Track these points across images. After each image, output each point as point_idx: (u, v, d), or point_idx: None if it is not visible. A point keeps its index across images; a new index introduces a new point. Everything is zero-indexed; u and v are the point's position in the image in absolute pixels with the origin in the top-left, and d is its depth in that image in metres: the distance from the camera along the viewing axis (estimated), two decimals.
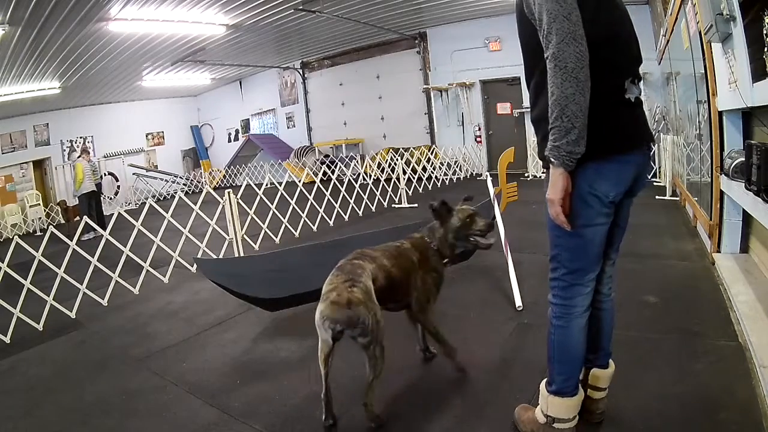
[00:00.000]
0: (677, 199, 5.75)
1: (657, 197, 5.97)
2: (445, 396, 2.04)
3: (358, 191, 6.84)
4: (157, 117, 15.02)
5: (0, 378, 2.82)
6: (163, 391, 2.40)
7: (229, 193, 4.59)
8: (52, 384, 2.65)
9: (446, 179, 9.33)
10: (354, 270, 1.85)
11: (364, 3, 8.31)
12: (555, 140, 1.32)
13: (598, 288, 1.60)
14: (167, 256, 4.51)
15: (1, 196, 11.50)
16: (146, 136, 15.03)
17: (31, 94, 10.04)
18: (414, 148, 10.48)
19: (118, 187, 13.66)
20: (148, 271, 4.30)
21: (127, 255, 4.18)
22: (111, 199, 12.76)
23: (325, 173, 9.01)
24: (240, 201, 4.75)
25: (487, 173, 4.47)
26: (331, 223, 6.20)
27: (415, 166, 8.69)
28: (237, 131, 15.55)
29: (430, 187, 8.72)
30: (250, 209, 5.26)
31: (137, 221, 4.30)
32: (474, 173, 10.26)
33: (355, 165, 9.06)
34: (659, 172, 6.97)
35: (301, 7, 7.85)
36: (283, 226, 5.55)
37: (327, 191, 6.28)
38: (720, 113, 3.11)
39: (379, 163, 9.05)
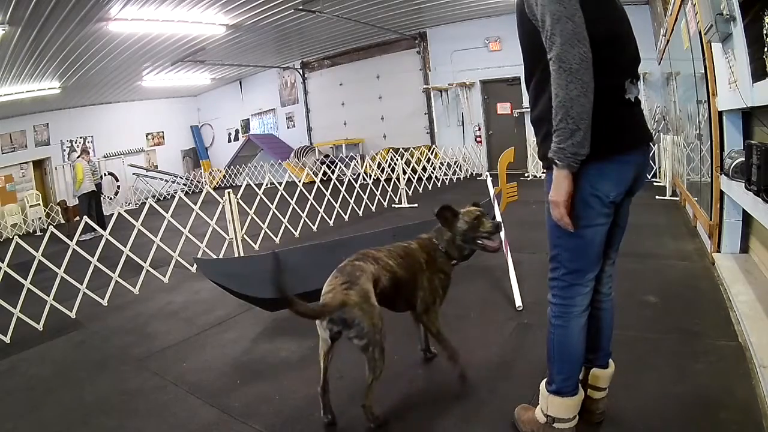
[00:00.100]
0: (677, 199, 5.75)
1: (657, 197, 5.97)
2: (445, 396, 2.04)
3: (358, 191, 6.84)
4: (157, 117, 15.02)
5: (0, 378, 2.82)
6: (163, 391, 2.40)
7: (229, 193, 4.60)
8: (52, 384, 2.65)
9: (446, 179, 9.34)
10: (353, 272, 1.84)
11: (364, 3, 8.32)
12: (560, 142, 1.31)
13: (598, 288, 1.60)
14: (167, 256, 4.51)
15: (1, 196, 11.50)
16: (146, 136, 15.04)
17: (31, 94, 10.04)
18: (414, 148, 10.48)
19: (118, 187, 13.67)
20: (148, 271, 4.30)
21: (127, 255, 4.18)
22: (111, 199, 12.76)
23: (325, 173, 9.01)
24: (240, 201, 4.75)
25: (487, 173, 4.47)
26: (331, 223, 6.20)
27: (415, 166, 8.69)
28: (237, 131, 15.56)
29: (430, 187, 8.72)
30: (250, 209, 5.26)
31: (137, 221, 4.30)
32: (474, 173, 10.27)
33: (355, 165, 9.06)
34: (659, 172, 6.97)
35: (301, 7, 7.85)
36: (283, 226, 5.55)
37: (327, 191, 6.28)
38: (720, 113, 3.11)
39: (379, 163, 9.05)
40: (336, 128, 12.87)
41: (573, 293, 1.52)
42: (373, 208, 6.97)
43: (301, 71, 13.28)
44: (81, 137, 13.27)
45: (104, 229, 4.27)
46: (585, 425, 1.67)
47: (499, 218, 3.24)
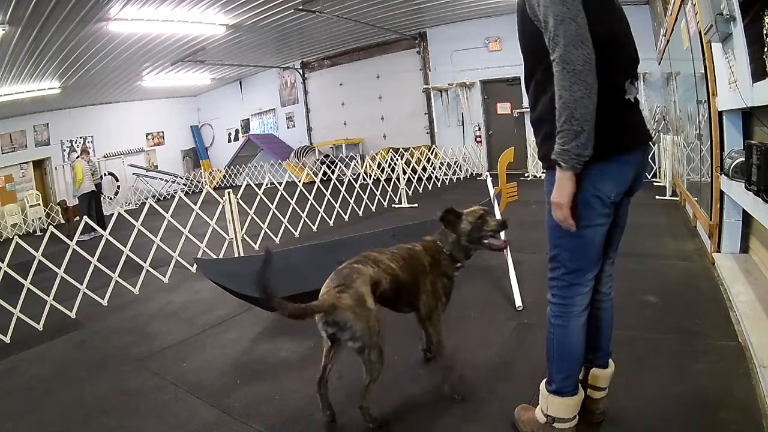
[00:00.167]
0: (677, 199, 5.75)
1: (657, 197, 5.97)
2: (445, 396, 2.04)
3: (358, 191, 6.84)
4: (157, 117, 15.03)
5: (0, 378, 2.82)
6: (163, 391, 2.40)
7: (229, 193, 4.59)
8: (52, 384, 2.65)
9: (446, 179, 9.34)
10: (350, 275, 1.83)
11: (364, 3, 8.32)
12: (564, 143, 1.31)
13: (598, 287, 1.61)
14: (167, 256, 4.51)
15: (1, 196, 11.50)
16: (146, 136, 15.04)
17: (31, 94, 10.04)
18: (414, 148, 10.48)
19: (118, 187, 13.67)
20: (148, 271, 4.30)
21: (127, 255, 4.18)
22: (111, 199, 12.76)
23: (325, 173, 9.01)
24: (240, 201, 4.75)
25: (487, 173, 4.47)
26: (331, 223, 6.20)
27: (415, 166, 8.69)
28: (237, 131, 15.56)
29: (430, 187, 8.72)
30: (250, 209, 5.25)
31: (137, 221, 4.30)
32: (474, 173, 10.27)
33: (355, 165, 9.06)
34: (659, 172, 6.97)
35: (301, 7, 7.85)
36: (283, 226, 5.55)
37: (327, 191, 6.28)
38: (720, 113, 3.11)
39: (379, 163, 9.05)
40: (336, 128, 12.87)
41: (573, 293, 1.52)
42: (373, 208, 6.97)
43: (301, 71, 13.29)
44: (81, 137, 13.28)
45: (104, 229, 4.27)
46: (585, 425, 1.67)
47: (499, 218, 3.23)
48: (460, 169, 10.08)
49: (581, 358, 1.59)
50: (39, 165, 12.78)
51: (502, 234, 2.16)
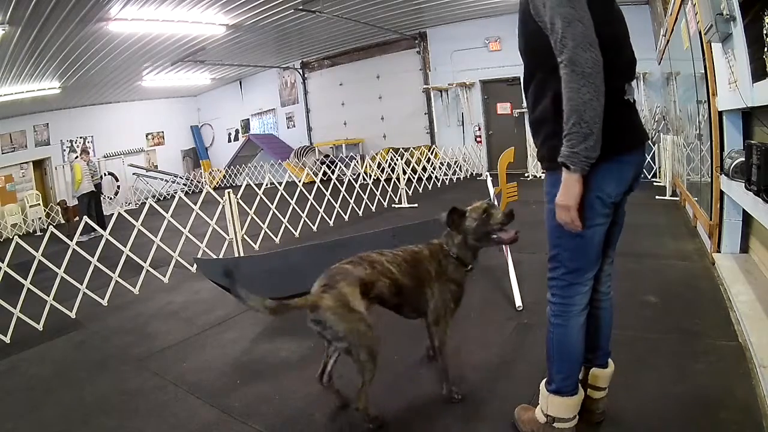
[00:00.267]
0: (677, 199, 5.76)
1: (657, 197, 5.97)
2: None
3: (358, 191, 6.84)
4: (157, 117, 15.02)
5: (0, 378, 2.82)
6: (163, 391, 2.40)
7: (229, 193, 4.59)
8: (52, 384, 2.65)
9: (446, 179, 9.34)
10: (334, 276, 1.82)
11: (364, 3, 8.32)
12: (572, 146, 1.30)
13: (597, 287, 1.61)
14: (167, 256, 4.51)
15: (1, 196, 11.50)
16: (146, 136, 15.04)
17: (31, 94, 10.04)
18: (414, 148, 10.48)
19: (118, 187, 13.67)
20: (148, 271, 4.30)
21: (127, 255, 4.18)
22: (111, 199, 12.76)
23: (325, 173, 9.01)
24: (240, 201, 4.75)
25: (487, 173, 4.47)
26: (331, 223, 6.20)
27: (415, 166, 8.69)
28: (237, 131, 15.56)
29: (430, 187, 8.72)
30: (250, 209, 5.26)
31: (137, 221, 4.30)
32: (474, 173, 10.27)
33: (355, 165, 9.06)
34: (659, 172, 6.97)
35: (301, 7, 7.85)
36: (283, 226, 5.55)
37: (327, 191, 6.28)
38: (720, 113, 3.11)
39: (379, 163, 9.05)
40: (336, 128, 12.87)
41: (572, 292, 1.52)
42: (373, 208, 6.97)
43: (301, 71, 13.29)
44: (81, 137, 13.28)
45: (104, 229, 4.27)
46: (585, 425, 1.67)
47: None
48: (460, 169, 10.08)
49: (581, 357, 1.59)
50: (39, 165, 12.78)
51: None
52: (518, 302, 2.93)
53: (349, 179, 6.91)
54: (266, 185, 6.06)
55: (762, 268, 2.81)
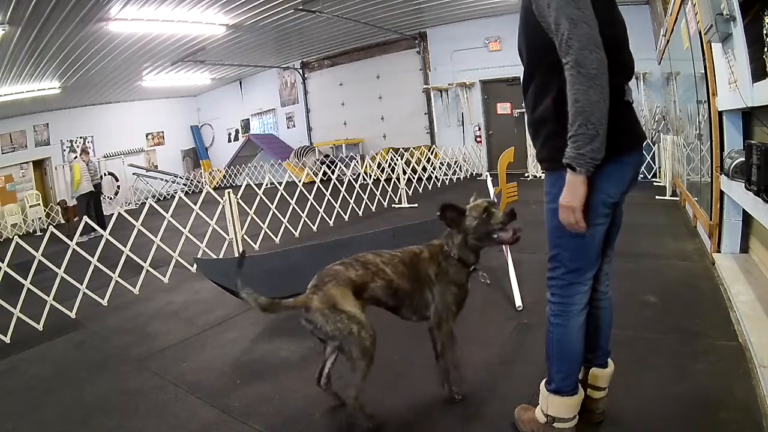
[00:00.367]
0: (677, 199, 5.76)
1: (657, 197, 5.97)
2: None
3: (358, 191, 6.84)
4: (157, 117, 15.02)
5: (0, 378, 2.82)
6: (163, 391, 2.40)
7: (229, 193, 4.59)
8: (52, 384, 2.65)
9: (446, 179, 9.34)
10: (323, 277, 1.83)
11: (364, 3, 8.32)
12: (578, 147, 1.30)
13: (596, 286, 1.61)
14: (167, 256, 4.51)
15: (1, 196, 11.50)
16: (146, 136, 15.04)
17: (31, 94, 10.04)
18: (414, 148, 10.48)
19: (118, 187, 13.67)
20: (148, 271, 4.30)
21: (127, 255, 4.18)
22: (111, 199, 12.76)
23: (325, 173, 9.01)
24: (240, 201, 4.75)
25: (487, 173, 4.47)
26: (331, 223, 6.20)
27: (415, 166, 8.69)
28: (237, 131, 15.55)
29: (430, 187, 8.72)
30: (250, 209, 5.26)
31: (137, 221, 4.30)
32: (474, 173, 10.26)
33: (355, 165, 9.06)
34: (659, 172, 6.97)
35: (301, 7, 7.85)
36: (283, 226, 5.55)
37: (327, 191, 6.28)
38: (720, 113, 3.11)
39: (379, 163, 9.05)
40: (336, 128, 12.87)
41: (572, 292, 1.52)
42: (373, 208, 6.97)
43: (301, 71, 13.28)
44: (81, 137, 13.28)
45: (104, 229, 4.27)
46: (585, 425, 1.67)
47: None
48: (460, 169, 10.08)
49: (581, 357, 1.59)
50: (39, 165, 12.78)
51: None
52: (518, 302, 2.93)
53: (349, 179, 6.91)
54: (266, 185, 6.06)
55: (762, 268, 2.81)
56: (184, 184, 15.09)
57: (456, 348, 2.06)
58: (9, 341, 3.32)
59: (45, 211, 11.31)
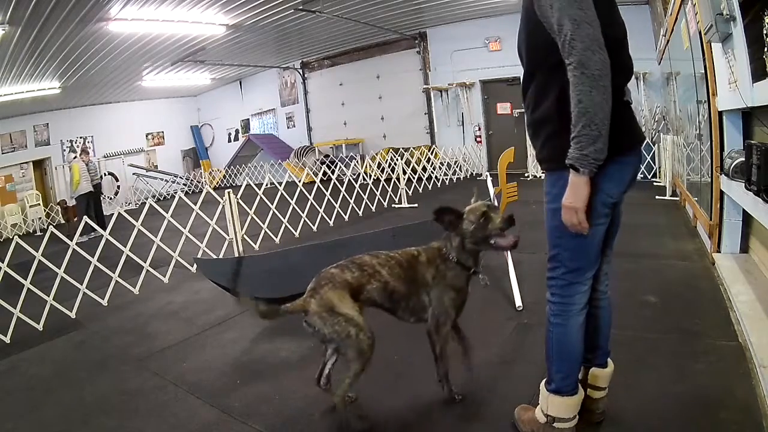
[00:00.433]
0: (677, 199, 5.76)
1: (657, 197, 5.97)
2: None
3: (358, 191, 6.84)
4: (157, 117, 15.02)
5: (0, 378, 2.82)
6: (163, 391, 2.40)
7: (229, 193, 4.59)
8: (52, 384, 2.65)
9: (446, 179, 9.34)
10: (320, 280, 1.84)
11: (364, 3, 8.32)
12: (581, 148, 1.30)
13: (596, 286, 1.61)
14: (167, 256, 4.51)
15: (1, 196, 11.50)
16: (146, 136, 15.03)
17: (31, 94, 10.04)
18: (414, 148, 10.48)
19: (118, 187, 13.66)
20: (148, 271, 4.30)
21: (127, 255, 4.18)
22: (111, 199, 12.76)
23: (325, 173, 9.01)
24: (240, 201, 4.75)
25: (487, 173, 4.47)
26: (331, 223, 6.20)
27: (415, 166, 8.69)
28: (237, 131, 15.55)
29: (430, 187, 8.72)
30: (250, 209, 5.25)
31: (137, 221, 4.30)
32: (474, 173, 10.26)
33: (355, 165, 9.06)
34: (659, 172, 6.97)
35: (301, 7, 7.85)
36: (283, 226, 5.55)
37: (327, 191, 6.28)
38: (720, 113, 3.11)
39: (379, 163, 9.05)
40: (336, 128, 12.86)
41: (572, 291, 1.53)
42: (373, 208, 6.97)
43: (301, 71, 13.28)
44: (81, 137, 13.27)
45: (104, 229, 4.27)
46: (585, 425, 1.67)
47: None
48: (460, 169, 10.08)
49: (580, 357, 1.59)
50: (39, 165, 12.77)
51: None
52: (518, 302, 2.93)
53: (349, 179, 6.91)
54: (266, 185, 6.06)
55: (762, 268, 2.81)
56: (184, 184, 15.09)
57: (467, 345, 2.08)
58: (9, 341, 3.32)
59: (45, 211, 11.31)
